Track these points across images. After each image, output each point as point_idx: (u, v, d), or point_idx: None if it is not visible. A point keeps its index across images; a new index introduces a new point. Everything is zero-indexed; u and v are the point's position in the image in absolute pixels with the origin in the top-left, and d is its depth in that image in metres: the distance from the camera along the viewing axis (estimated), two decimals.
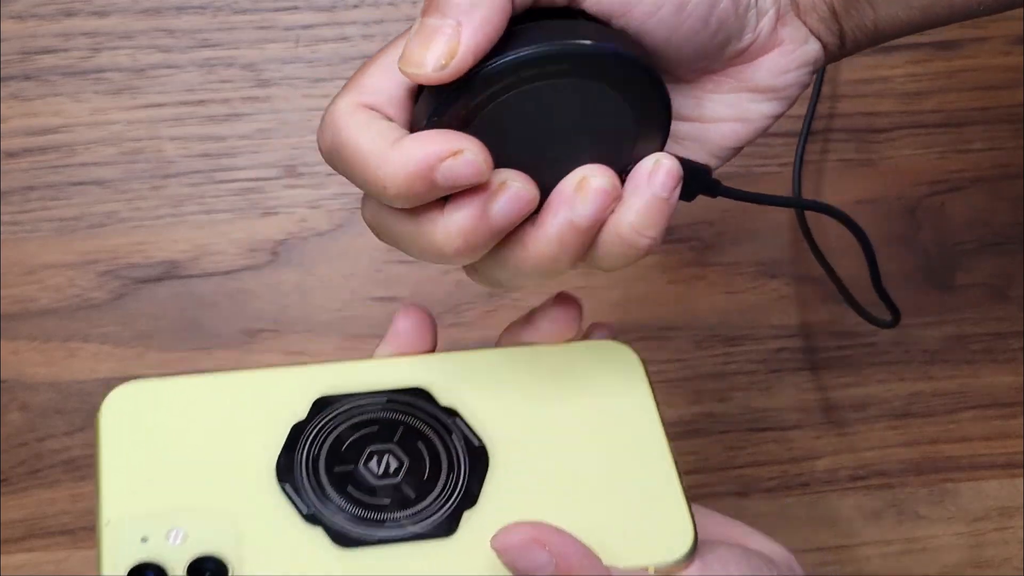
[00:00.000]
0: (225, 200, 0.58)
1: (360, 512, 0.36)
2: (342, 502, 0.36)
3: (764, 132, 0.40)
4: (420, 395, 0.39)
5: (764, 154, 0.59)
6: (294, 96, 0.58)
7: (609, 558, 0.36)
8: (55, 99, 0.58)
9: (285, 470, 0.37)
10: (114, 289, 0.57)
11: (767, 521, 0.57)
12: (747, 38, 0.38)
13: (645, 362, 0.40)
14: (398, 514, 0.36)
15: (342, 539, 0.36)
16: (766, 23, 0.38)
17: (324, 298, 0.57)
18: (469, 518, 0.36)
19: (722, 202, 0.58)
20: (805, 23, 0.39)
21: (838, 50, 0.40)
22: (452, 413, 0.38)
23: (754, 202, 0.40)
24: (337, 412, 0.38)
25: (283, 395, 0.38)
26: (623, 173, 0.35)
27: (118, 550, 0.34)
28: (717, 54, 0.38)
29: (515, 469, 0.38)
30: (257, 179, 0.58)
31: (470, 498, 0.37)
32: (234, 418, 0.37)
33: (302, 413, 0.38)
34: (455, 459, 0.38)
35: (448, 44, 0.32)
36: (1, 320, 0.57)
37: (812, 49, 0.39)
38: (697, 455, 0.56)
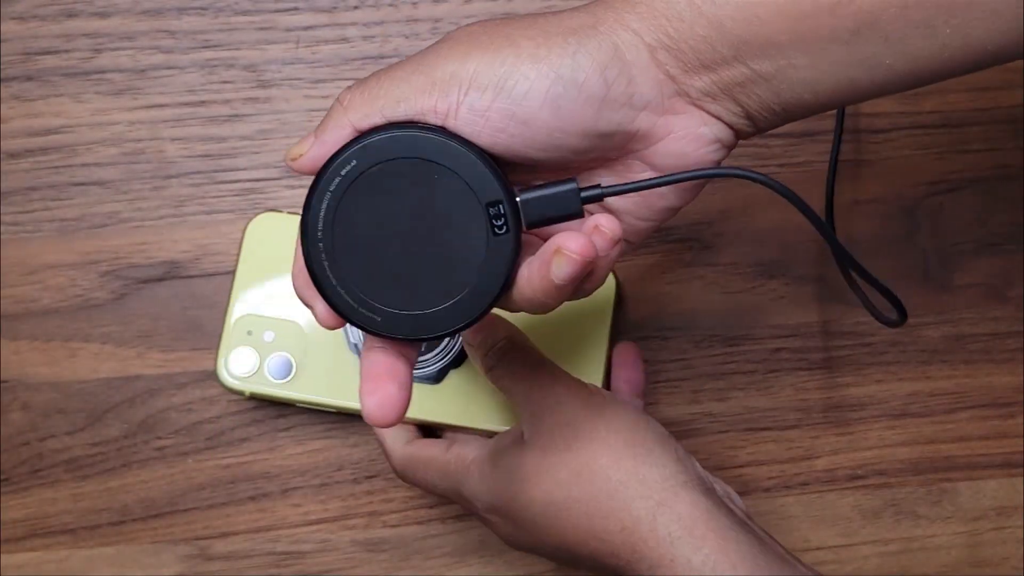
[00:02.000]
0: (226, 200, 0.58)
1: None
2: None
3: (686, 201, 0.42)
4: None
5: (762, 155, 0.59)
6: (295, 97, 0.58)
7: None
8: (56, 100, 0.58)
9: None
10: (115, 289, 0.57)
11: (766, 521, 0.57)
12: (629, 132, 0.39)
13: (620, 283, 0.55)
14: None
15: None
16: (644, 120, 0.39)
17: None
18: (452, 374, 0.54)
19: (721, 202, 0.58)
20: (701, 108, 0.40)
21: (751, 127, 0.41)
22: None
23: (642, 189, 0.40)
24: None
25: None
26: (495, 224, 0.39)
27: (231, 336, 0.55)
28: (604, 148, 0.40)
29: None
30: (258, 179, 0.58)
31: (457, 360, 0.54)
32: None
33: None
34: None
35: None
36: (2, 320, 0.57)
37: (710, 132, 0.40)
38: (697, 455, 0.56)
